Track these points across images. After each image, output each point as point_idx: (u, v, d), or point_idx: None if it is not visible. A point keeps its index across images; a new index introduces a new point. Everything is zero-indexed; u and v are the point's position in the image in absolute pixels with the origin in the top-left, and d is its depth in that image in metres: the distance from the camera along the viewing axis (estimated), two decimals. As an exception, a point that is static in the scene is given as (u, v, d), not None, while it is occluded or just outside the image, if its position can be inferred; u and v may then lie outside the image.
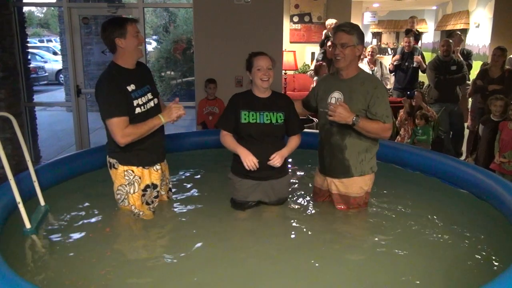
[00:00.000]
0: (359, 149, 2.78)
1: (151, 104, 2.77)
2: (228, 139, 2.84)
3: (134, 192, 2.76)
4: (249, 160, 2.72)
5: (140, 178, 2.77)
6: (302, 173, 3.73)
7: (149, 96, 2.75)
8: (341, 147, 2.79)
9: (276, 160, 2.76)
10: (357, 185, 2.83)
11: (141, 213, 2.79)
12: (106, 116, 2.56)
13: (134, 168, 2.74)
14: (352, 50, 2.70)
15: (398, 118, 5.65)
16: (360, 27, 2.83)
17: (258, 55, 2.79)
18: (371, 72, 6.65)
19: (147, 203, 2.84)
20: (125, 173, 2.74)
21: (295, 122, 2.91)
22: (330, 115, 2.64)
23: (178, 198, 3.18)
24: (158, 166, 2.85)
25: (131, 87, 2.64)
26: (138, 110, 2.65)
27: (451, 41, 6.00)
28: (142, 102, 2.69)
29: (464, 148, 6.04)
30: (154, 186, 2.84)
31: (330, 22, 7.43)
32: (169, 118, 2.66)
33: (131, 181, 2.75)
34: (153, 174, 2.82)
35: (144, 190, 2.80)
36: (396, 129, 5.78)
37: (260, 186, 2.88)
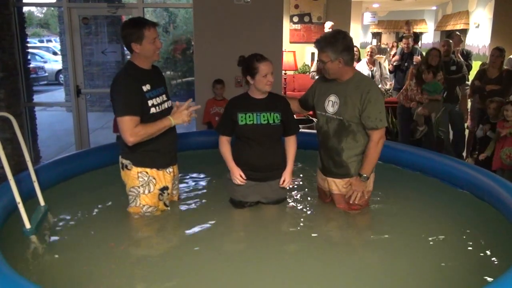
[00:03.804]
0: (356, 151, 2.79)
1: (166, 105, 2.75)
2: (224, 149, 2.86)
3: (149, 192, 2.75)
4: (236, 178, 2.80)
5: (154, 179, 2.76)
6: (303, 172, 3.73)
7: (164, 97, 2.75)
8: (338, 150, 2.79)
9: (287, 182, 2.86)
10: None
11: (155, 209, 2.79)
12: (118, 114, 2.54)
13: (148, 169, 2.73)
14: (332, 64, 2.68)
15: (404, 87, 5.26)
16: (346, 32, 2.75)
17: (262, 60, 2.72)
18: (370, 73, 6.65)
19: (165, 205, 2.86)
20: (139, 174, 2.72)
21: (292, 122, 2.92)
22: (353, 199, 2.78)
23: (179, 198, 3.16)
24: (170, 169, 2.85)
25: (146, 87, 2.61)
26: (153, 110, 2.64)
27: (451, 41, 6.00)
28: (157, 103, 2.67)
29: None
30: (166, 188, 2.84)
31: (329, 25, 7.45)
32: (181, 121, 2.66)
33: (146, 182, 2.74)
34: (166, 176, 2.82)
35: (161, 190, 2.80)
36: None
37: (258, 187, 2.89)
